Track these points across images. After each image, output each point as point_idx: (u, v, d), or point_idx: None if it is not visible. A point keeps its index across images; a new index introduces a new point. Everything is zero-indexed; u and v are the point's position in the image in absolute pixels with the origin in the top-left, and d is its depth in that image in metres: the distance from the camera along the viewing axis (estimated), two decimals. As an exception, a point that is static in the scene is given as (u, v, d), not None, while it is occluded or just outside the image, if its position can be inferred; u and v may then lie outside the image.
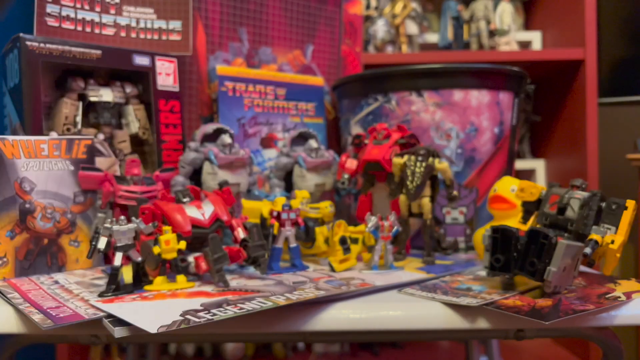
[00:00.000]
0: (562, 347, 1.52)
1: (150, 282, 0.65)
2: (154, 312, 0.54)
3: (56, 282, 0.70)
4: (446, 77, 0.96)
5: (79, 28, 0.96)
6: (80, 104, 0.92)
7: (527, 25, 1.77)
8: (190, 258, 0.67)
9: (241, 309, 0.54)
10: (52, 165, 0.78)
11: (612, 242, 0.69)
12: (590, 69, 1.38)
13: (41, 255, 0.76)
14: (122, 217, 0.64)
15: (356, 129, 1.05)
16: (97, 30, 0.99)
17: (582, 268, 0.77)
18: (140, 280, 0.65)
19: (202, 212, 0.71)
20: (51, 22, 0.93)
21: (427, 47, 1.71)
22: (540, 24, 1.69)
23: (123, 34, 1.01)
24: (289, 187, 0.98)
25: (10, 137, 0.75)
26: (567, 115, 1.50)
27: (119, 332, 0.51)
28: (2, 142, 0.75)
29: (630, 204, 0.70)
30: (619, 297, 0.60)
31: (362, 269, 0.77)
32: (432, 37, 1.70)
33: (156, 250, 0.63)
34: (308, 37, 1.20)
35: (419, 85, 0.97)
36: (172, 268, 0.65)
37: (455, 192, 0.82)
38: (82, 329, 0.55)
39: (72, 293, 0.64)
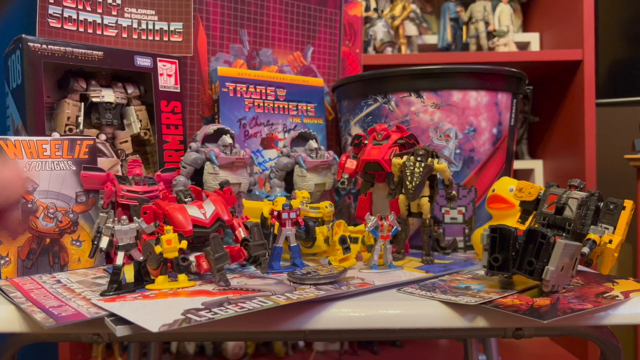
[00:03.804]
0: (560, 346, 1.52)
1: (152, 281, 0.66)
2: (155, 311, 0.54)
3: (58, 282, 0.71)
4: (445, 78, 0.96)
5: (81, 29, 0.97)
6: (82, 104, 0.92)
7: (526, 27, 1.77)
8: (192, 257, 0.67)
9: (242, 308, 0.54)
10: (54, 165, 0.79)
11: (610, 241, 0.69)
12: (588, 70, 1.39)
13: (43, 254, 0.77)
14: (124, 217, 0.65)
15: (356, 130, 1.06)
16: (99, 32, 0.99)
17: (580, 267, 0.77)
18: (142, 279, 0.66)
19: (203, 211, 0.71)
20: (53, 23, 0.94)
21: (426, 48, 1.72)
22: (538, 26, 1.70)
23: (125, 35, 1.02)
24: (289, 187, 0.98)
25: (13, 138, 0.76)
26: (565, 115, 1.51)
27: (120, 331, 0.51)
28: (4, 143, 0.75)
29: (628, 203, 0.71)
30: (617, 296, 0.61)
31: (361, 268, 0.77)
32: (431, 39, 1.71)
33: (158, 249, 0.64)
34: (308, 38, 1.20)
35: (418, 86, 0.97)
36: (174, 267, 0.66)
37: (453, 192, 0.82)
38: (84, 327, 0.55)
39: (74, 292, 0.64)
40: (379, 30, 1.59)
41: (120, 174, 0.85)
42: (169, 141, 0.98)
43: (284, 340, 1.46)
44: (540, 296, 0.61)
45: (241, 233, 0.72)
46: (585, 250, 0.68)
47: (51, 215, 0.78)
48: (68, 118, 0.90)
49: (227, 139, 0.88)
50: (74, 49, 0.88)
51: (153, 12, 1.04)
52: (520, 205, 0.78)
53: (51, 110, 0.93)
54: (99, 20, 0.99)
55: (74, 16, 0.96)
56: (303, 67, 1.20)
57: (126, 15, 1.01)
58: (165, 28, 1.04)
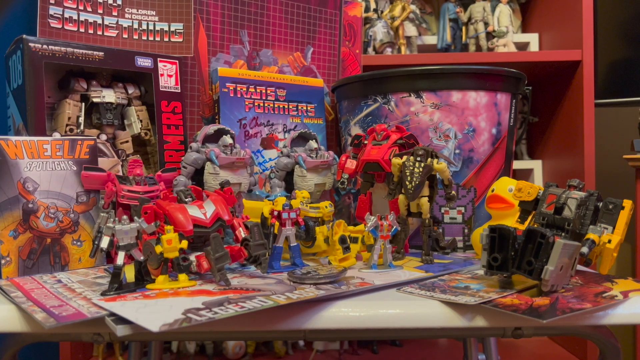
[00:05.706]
0: (559, 346, 1.52)
1: (152, 281, 0.66)
2: (156, 310, 0.54)
3: (59, 281, 0.71)
4: (444, 79, 0.97)
5: (82, 30, 0.97)
6: (83, 104, 0.92)
7: (525, 27, 1.77)
8: (192, 257, 0.67)
9: (242, 307, 0.55)
10: (55, 165, 0.79)
11: (609, 241, 0.69)
12: (587, 70, 1.39)
13: (44, 254, 0.77)
14: (125, 217, 0.65)
15: (355, 130, 1.06)
16: (99, 32, 0.99)
17: (579, 267, 0.77)
18: (143, 279, 0.66)
19: (204, 211, 0.71)
20: (54, 23, 0.94)
21: (426, 48, 1.72)
22: (537, 26, 1.70)
23: (125, 35, 1.02)
24: (289, 187, 0.98)
25: (14, 138, 0.76)
26: (564, 116, 1.51)
27: (121, 331, 0.52)
28: (5, 143, 0.75)
29: (627, 203, 0.71)
30: (616, 296, 0.61)
31: (361, 268, 0.77)
32: (431, 39, 1.71)
33: (158, 249, 0.64)
34: (308, 39, 1.21)
35: (417, 86, 0.97)
36: (174, 267, 0.66)
37: (453, 192, 0.82)
38: (84, 327, 0.56)
39: (75, 292, 0.65)
40: (379, 31, 1.60)
41: (120, 174, 0.85)
42: (170, 141, 0.98)
43: (284, 340, 1.46)
44: (540, 296, 0.61)
45: (241, 233, 0.73)
46: (585, 250, 0.68)
47: (52, 215, 0.78)
48: (69, 118, 0.90)
49: (227, 139, 0.88)
50: (75, 50, 0.88)
51: (153, 13, 1.04)
52: (520, 205, 0.79)
53: (52, 111, 0.93)
54: (99, 21, 0.99)
55: (75, 17, 0.96)
56: (303, 67, 1.20)
57: (127, 15, 1.02)
58: (166, 29, 1.05)
